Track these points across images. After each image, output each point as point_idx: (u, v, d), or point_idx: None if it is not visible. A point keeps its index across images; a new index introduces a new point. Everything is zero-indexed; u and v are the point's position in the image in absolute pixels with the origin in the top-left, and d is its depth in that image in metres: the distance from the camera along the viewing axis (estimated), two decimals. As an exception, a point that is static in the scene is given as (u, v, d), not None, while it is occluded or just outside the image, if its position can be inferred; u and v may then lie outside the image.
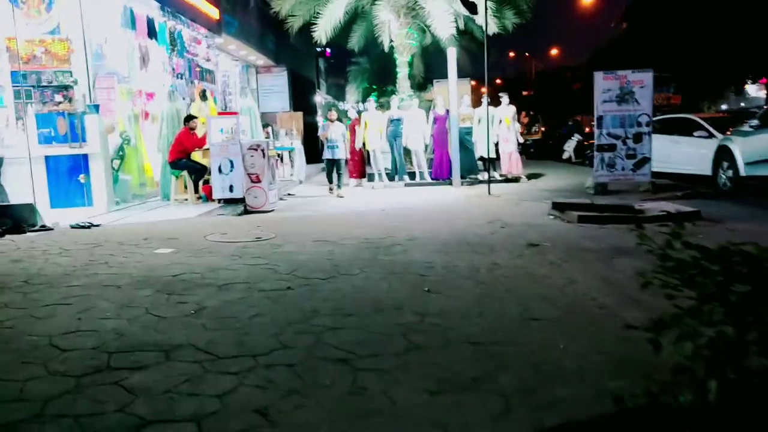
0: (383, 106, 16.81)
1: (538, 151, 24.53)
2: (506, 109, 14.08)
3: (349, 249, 6.46)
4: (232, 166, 10.06)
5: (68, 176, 9.34)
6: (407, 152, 14.57)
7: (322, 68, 44.33)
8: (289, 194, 13.15)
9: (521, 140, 14.38)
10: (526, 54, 52.81)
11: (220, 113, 10.16)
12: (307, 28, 15.91)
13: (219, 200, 10.28)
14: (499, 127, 13.90)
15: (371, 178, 14.48)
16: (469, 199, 11.60)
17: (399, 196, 12.53)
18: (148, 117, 11.70)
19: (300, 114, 19.71)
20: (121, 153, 10.45)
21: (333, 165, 12.30)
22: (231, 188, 10.12)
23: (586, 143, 22.90)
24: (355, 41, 16.86)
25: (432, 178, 14.25)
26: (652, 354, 1.92)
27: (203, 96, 11.29)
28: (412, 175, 14.39)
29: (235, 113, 10.21)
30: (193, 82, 13.86)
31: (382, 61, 37.98)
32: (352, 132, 14.61)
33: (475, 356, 3.38)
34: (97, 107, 9.33)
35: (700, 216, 7.99)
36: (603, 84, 11.25)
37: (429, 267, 5.57)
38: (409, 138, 14.05)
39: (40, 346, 3.62)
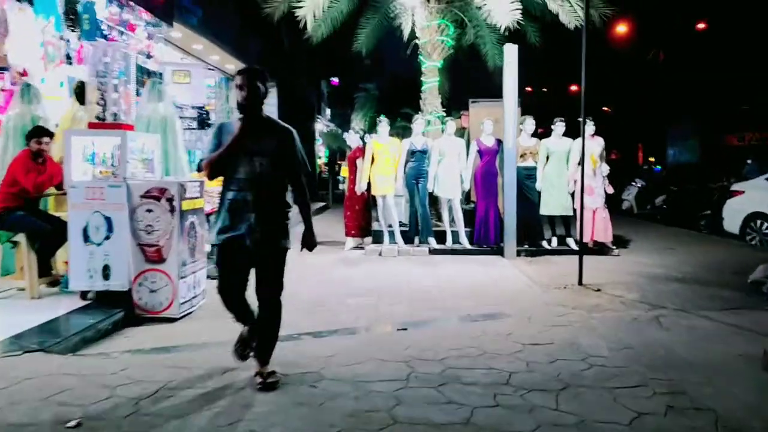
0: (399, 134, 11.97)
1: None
2: (590, 143, 9.02)
3: None
4: (110, 228, 5.10)
5: None
6: (434, 201, 9.63)
7: (325, 92, 40.16)
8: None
9: (610, 190, 9.35)
10: (544, 90, 48.22)
11: (92, 125, 5.13)
12: (295, 26, 11.04)
13: (84, 294, 5.29)
14: (578, 170, 8.85)
15: (378, 237, 9.52)
16: (550, 293, 6.58)
17: (423, 275, 7.53)
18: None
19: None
20: None
21: (243, 271, 3.69)
22: (106, 271, 5.13)
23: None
24: (362, 41, 12.01)
25: (472, 243, 9.26)
26: None
27: (79, 95, 6.17)
28: (440, 236, 9.40)
29: (124, 126, 5.19)
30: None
31: (393, 83, 33.38)
32: (352, 167, 9.73)
33: None
34: None
35: None
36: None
37: None
38: (440, 180, 9.10)
39: None
